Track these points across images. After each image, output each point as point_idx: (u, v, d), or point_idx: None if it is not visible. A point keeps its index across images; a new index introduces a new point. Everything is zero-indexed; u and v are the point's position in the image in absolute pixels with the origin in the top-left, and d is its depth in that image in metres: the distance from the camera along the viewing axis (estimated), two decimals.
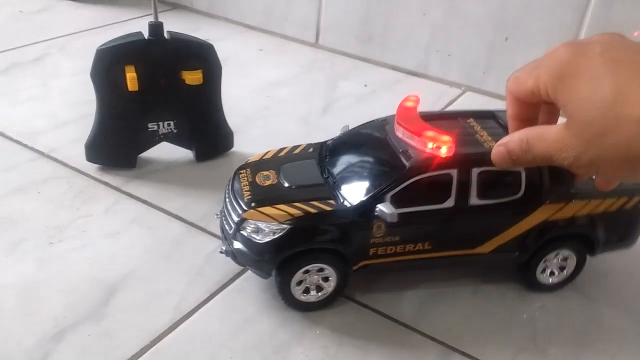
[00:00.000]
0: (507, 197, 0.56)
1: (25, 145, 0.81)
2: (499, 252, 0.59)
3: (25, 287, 0.58)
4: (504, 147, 0.41)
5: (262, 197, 0.56)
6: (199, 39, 0.74)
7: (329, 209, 0.55)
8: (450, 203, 0.55)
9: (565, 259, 0.62)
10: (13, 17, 1.23)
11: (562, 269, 0.63)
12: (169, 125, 0.76)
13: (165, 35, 0.72)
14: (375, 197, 0.54)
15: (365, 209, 0.54)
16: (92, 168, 0.76)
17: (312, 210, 0.54)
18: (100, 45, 0.70)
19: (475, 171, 0.54)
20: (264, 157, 0.62)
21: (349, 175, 0.57)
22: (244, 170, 0.60)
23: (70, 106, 0.90)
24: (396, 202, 0.54)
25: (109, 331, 0.54)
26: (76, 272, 0.61)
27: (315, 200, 0.55)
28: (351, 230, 0.54)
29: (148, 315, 0.56)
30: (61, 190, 0.73)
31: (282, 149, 0.63)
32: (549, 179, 0.57)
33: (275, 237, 0.54)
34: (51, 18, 1.24)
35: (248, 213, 0.55)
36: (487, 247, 0.59)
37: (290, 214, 0.54)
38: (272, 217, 0.54)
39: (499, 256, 0.60)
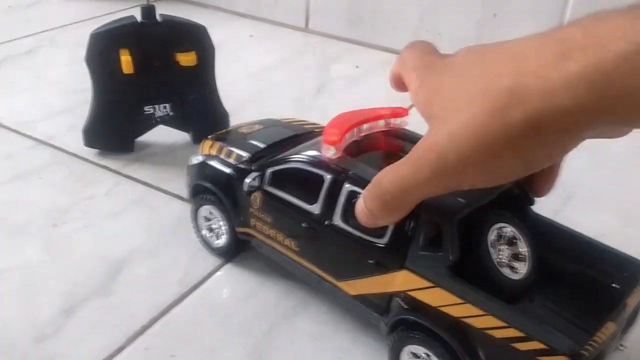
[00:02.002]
0: (368, 237, 0.46)
1: (24, 134, 0.81)
2: (363, 303, 0.49)
3: (32, 267, 0.59)
4: (362, 198, 0.38)
5: (220, 136, 0.63)
6: (191, 20, 0.75)
7: (231, 160, 0.57)
8: (316, 209, 0.50)
9: None
10: (2, 11, 1.24)
11: None
12: (165, 108, 0.76)
13: (158, 17, 0.72)
14: (257, 166, 0.55)
15: (246, 173, 0.54)
16: (90, 153, 0.77)
17: (222, 155, 0.58)
18: (94, 30, 0.71)
19: (347, 187, 0.47)
20: (281, 119, 0.66)
21: (277, 147, 0.57)
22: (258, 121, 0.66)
23: (64, 95, 0.91)
24: (275, 181, 0.53)
25: (118, 305, 0.55)
26: (81, 251, 0.62)
27: (238, 149, 0.58)
28: (235, 190, 0.56)
29: (155, 289, 0.57)
30: (62, 175, 0.73)
31: (300, 120, 0.65)
32: (423, 237, 0.43)
33: (193, 164, 0.61)
34: (41, 12, 1.24)
35: (202, 141, 0.62)
36: (352, 288, 0.49)
37: (209, 152, 0.60)
38: (202, 149, 0.61)
39: (364, 309, 0.49)
